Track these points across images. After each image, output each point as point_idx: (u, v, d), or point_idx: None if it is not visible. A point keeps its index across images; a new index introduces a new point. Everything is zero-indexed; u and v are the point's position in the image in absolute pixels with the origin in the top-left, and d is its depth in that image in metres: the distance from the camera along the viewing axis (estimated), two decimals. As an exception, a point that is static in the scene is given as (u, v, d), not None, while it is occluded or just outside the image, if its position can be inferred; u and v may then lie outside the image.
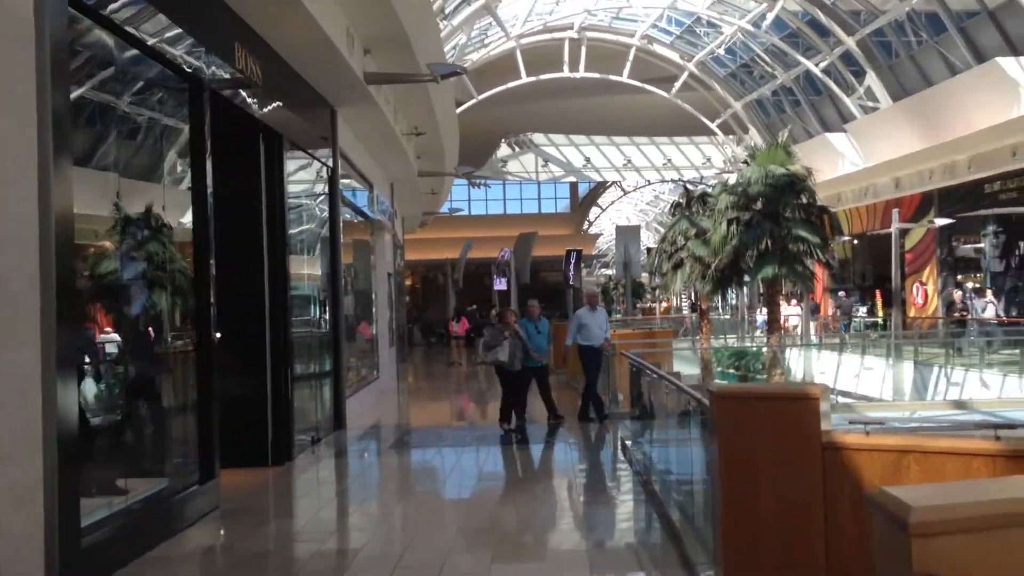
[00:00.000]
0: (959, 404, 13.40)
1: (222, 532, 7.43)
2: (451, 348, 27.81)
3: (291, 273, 10.79)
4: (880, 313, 29.62)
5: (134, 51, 6.86)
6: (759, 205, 17.60)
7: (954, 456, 3.84)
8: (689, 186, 24.60)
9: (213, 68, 8.44)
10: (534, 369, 12.80)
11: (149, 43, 6.95)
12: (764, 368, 25.71)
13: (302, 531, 7.43)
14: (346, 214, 15.33)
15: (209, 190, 8.10)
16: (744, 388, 4.32)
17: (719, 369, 26.59)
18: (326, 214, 13.17)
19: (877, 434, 4.14)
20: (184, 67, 7.68)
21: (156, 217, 7.54)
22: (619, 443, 11.00)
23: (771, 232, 17.08)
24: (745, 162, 18.45)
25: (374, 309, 18.44)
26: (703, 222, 21.81)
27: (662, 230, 74.33)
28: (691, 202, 22.59)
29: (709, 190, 23.33)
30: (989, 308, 20.01)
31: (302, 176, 12.36)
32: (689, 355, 28.01)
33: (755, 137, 36.85)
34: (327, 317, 13.09)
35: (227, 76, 8.85)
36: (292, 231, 11.23)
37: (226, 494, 8.24)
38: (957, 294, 20.24)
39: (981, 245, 25.85)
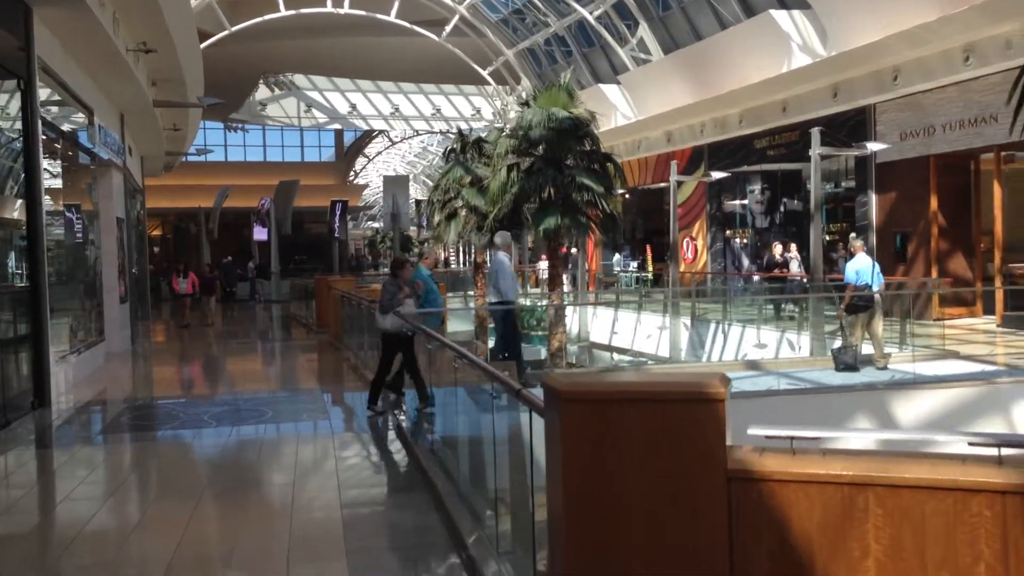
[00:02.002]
0: (752, 364, 12.74)
1: None
2: (182, 308, 23.40)
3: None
4: (650, 268, 29.62)
5: None
6: (541, 150, 16.36)
7: (939, 493, 2.41)
8: (463, 131, 23.02)
9: None
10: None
11: None
12: (539, 324, 24.92)
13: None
14: (55, 145, 12.51)
15: None
16: (606, 386, 2.73)
17: (491, 325, 25.50)
18: (19, 141, 10.42)
19: (809, 454, 2.66)
20: None
21: None
22: (391, 417, 9.30)
23: (554, 180, 15.87)
24: (525, 103, 17.08)
25: (97, 260, 15.59)
26: (479, 169, 20.40)
27: (431, 183, 73.40)
28: (466, 148, 21.08)
29: (484, 135, 21.95)
30: (793, 263, 19.68)
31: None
32: (460, 311, 26.77)
33: (527, 87, 35.89)
34: (22, 268, 10.42)
35: None
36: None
37: None
38: (777, 248, 19.75)
39: (746, 201, 26.18)
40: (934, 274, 18.11)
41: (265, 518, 6.04)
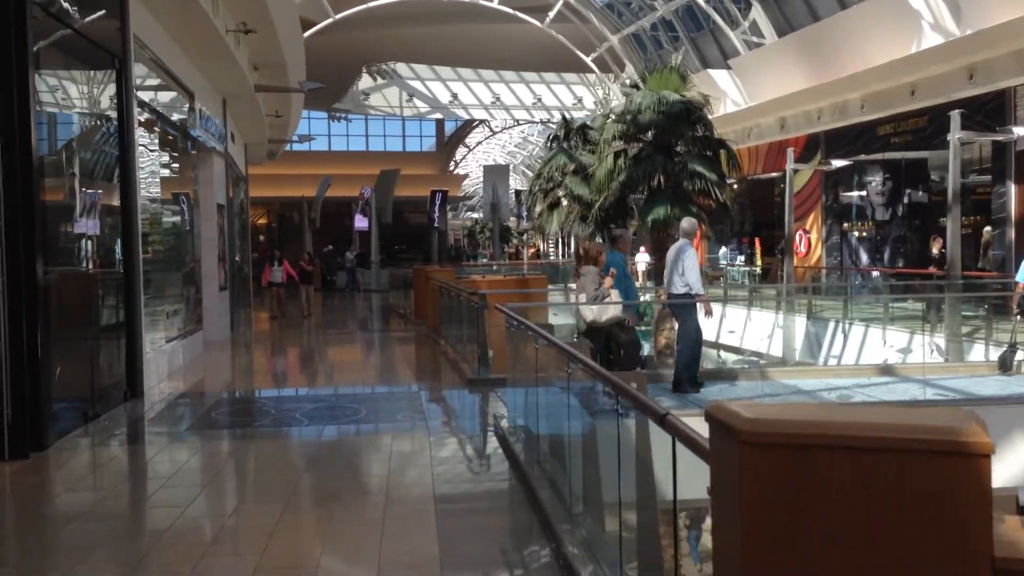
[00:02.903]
0: (887, 370, 11.62)
1: None
2: (273, 299, 22.27)
3: (47, 197, 7.83)
4: (759, 262, 28.35)
5: None
6: (650, 136, 15.47)
7: None
8: (567, 117, 22.21)
9: None
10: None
11: None
12: (641, 320, 23.98)
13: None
14: (153, 128, 12.26)
15: None
16: (809, 427, 1.97)
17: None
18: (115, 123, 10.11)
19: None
20: None
21: None
22: (492, 419, 8.63)
23: (664, 167, 14.97)
24: (635, 86, 16.20)
25: (196, 247, 15.39)
26: (583, 157, 19.62)
27: (531, 173, 72.84)
28: (570, 135, 20.29)
29: (589, 122, 21.14)
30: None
31: (76, 68, 9.32)
32: (558, 300, 26.06)
33: (632, 75, 34.85)
34: (116, 253, 10.12)
35: None
36: (52, 139, 8.26)
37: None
38: (937, 243, 18.03)
39: (864, 192, 24.70)
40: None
41: (353, 537, 5.42)
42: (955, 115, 14.24)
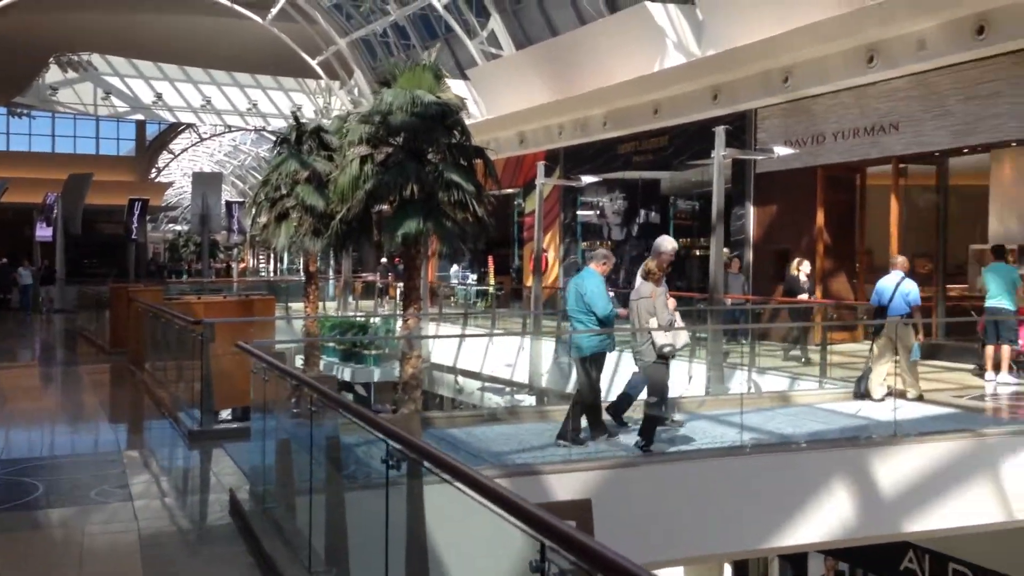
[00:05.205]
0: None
1: None
2: None
3: None
4: (492, 282, 27.44)
5: None
6: (401, 140, 13.64)
7: None
8: (300, 118, 19.77)
9: None
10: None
11: None
12: (371, 344, 22.09)
13: None
14: None
15: None
16: None
17: (321, 343, 22.56)
18: None
19: None
20: None
21: None
22: (228, 493, 6.38)
23: (418, 175, 13.20)
24: (384, 83, 14.33)
25: None
26: (317, 163, 17.43)
27: (241, 184, 68.54)
28: (302, 138, 18.00)
29: (325, 124, 19.03)
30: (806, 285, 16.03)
31: None
32: (281, 324, 23.67)
33: (360, 82, 33.03)
34: None
35: None
36: None
37: None
38: (805, 267, 16.42)
39: (595, 212, 24.46)
40: (817, 295, 16.70)
41: None
42: (720, 131, 13.70)
